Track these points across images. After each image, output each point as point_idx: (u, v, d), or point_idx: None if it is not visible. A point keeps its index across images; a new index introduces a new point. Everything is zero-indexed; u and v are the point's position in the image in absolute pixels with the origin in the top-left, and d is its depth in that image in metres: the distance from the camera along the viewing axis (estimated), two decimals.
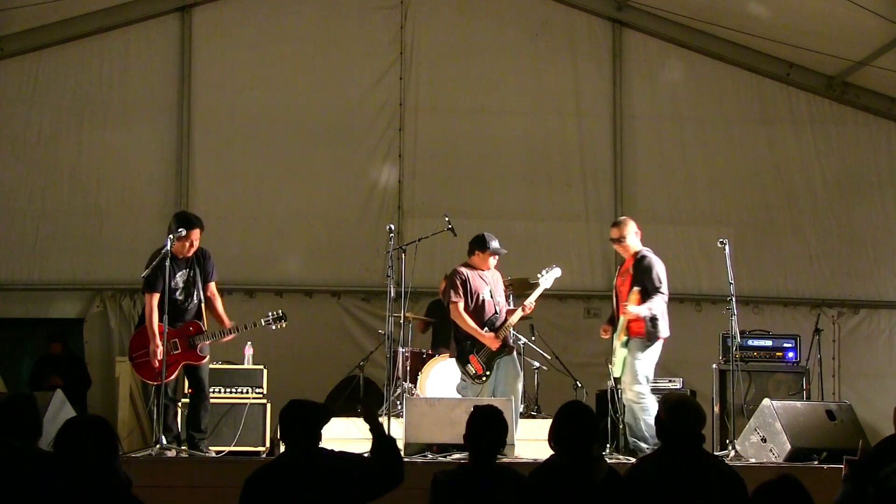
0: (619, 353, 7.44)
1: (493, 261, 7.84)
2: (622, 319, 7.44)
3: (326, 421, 4.62)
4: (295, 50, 10.62)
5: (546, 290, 7.89)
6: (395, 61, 10.55)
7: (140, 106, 10.42)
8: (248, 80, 10.52)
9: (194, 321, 7.25)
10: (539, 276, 7.87)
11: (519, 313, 7.76)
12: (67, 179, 10.26)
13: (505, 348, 7.73)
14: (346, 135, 10.55)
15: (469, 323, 7.69)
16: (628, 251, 7.62)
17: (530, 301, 7.78)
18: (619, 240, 7.65)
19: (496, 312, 7.77)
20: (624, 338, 7.42)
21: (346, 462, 4.57)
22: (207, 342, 7.24)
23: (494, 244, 7.79)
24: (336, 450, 4.64)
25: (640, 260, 7.53)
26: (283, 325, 7.38)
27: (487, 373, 7.67)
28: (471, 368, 7.71)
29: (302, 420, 4.53)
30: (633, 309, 7.34)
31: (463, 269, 7.84)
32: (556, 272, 7.87)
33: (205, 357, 7.26)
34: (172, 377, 7.21)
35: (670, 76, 10.85)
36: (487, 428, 4.58)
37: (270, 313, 7.39)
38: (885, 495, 3.71)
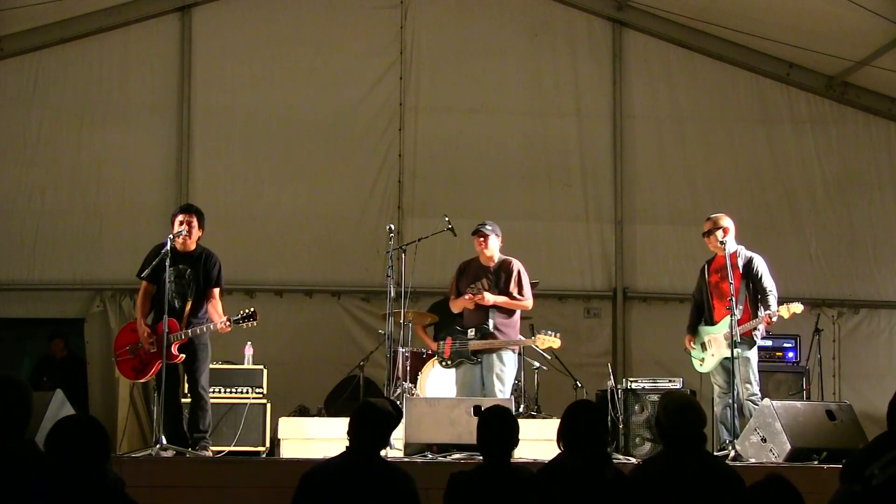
0: (722, 352, 7.60)
1: (484, 245, 7.89)
2: (730, 320, 7.48)
3: (397, 425, 4.63)
4: (295, 50, 10.62)
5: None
6: (395, 61, 10.55)
7: (140, 106, 10.41)
8: (247, 80, 10.51)
9: (171, 319, 7.16)
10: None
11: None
12: (67, 179, 10.25)
13: (468, 356, 7.81)
14: (346, 135, 10.54)
15: (455, 301, 7.99)
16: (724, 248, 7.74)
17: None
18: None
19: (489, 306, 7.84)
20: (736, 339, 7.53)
21: (405, 478, 4.48)
22: (177, 342, 7.17)
23: (478, 227, 7.95)
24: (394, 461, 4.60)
25: (750, 259, 7.79)
26: (254, 324, 7.32)
27: (448, 361, 7.95)
28: (441, 346, 7.99)
29: (374, 426, 4.48)
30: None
31: (464, 263, 8.08)
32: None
33: (178, 356, 7.20)
34: (150, 376, 7.27)
35: (670, 76, 10.85)
36: (500, 427, 4.58)
37: (240, 312, 7.33)
38: (870, 492, 3.71)
